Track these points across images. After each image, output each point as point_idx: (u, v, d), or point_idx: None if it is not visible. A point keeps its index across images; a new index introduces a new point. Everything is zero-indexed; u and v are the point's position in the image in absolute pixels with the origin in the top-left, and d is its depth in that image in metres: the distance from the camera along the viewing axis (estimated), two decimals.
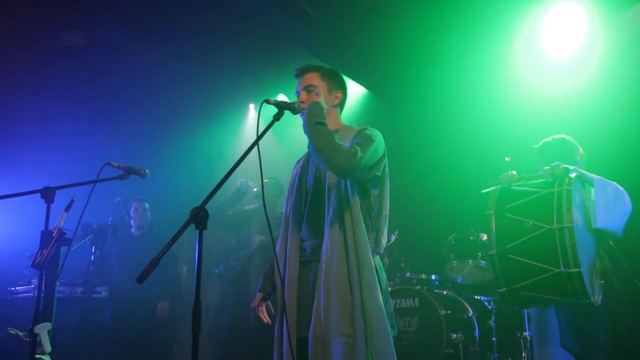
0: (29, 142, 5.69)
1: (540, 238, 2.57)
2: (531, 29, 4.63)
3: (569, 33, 4.53)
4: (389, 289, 4.72)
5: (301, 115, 2.52)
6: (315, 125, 2.29)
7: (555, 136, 3.29)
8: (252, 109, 6.57)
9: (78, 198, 2.89)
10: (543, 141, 3.30)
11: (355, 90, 5.99)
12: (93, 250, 4.35)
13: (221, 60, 5.54)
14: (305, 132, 2.33)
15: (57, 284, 4.46)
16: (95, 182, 2.82)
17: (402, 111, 5.74)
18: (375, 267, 2.36)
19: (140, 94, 5.78)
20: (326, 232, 2.35)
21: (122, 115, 5.76)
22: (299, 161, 2.69)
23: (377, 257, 2.42)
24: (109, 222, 4.51)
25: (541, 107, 4.59)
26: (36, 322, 2.49)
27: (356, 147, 2.30)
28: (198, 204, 1.87)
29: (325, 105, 2.44)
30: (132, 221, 5.06)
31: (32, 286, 4.56)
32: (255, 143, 2.22)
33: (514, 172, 2.90)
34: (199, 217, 1.86)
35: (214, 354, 5.48)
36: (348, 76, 5.69)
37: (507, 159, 3.24)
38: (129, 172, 2.98)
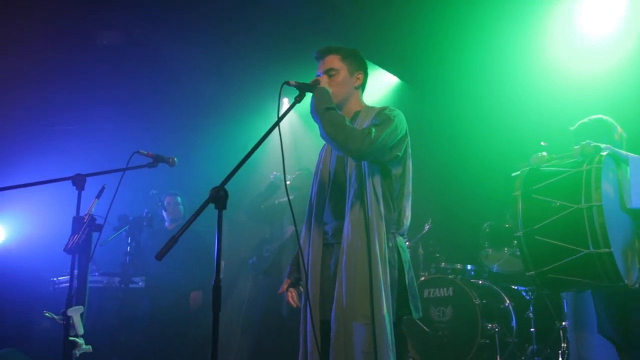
0: (69, 137, 5.88)
1: (568, 218, 2.49)
2: (567, 8, 4.48)
3: (607, 11, 4.36)
4: (422, 278, 4.70)
5: None
6: (324, 111, 2.27)
7: (592, 117, 3.20)
8: (286, 103, 6.58)
9: (112, 187, 2.94)
10: (579, 122, 3.21)
11: (387, 80, 5.95)
12: (129, 241, 4.45)
13: (254, 55, 5.57)
14: (315, 119, 2.31)
15: (96, 274, 4.67)
16: (124, 169, 2.88)
17: (434, 98, 5.64)
18: (398, 248, 2.34)
19: (176, 90, 5.87)
20: (347, 214, 2.34)
21: (156, 108, 5.86)
22: (324, 146, 2.69)
23: (400, 238, 2.39)
24: (144, 214, 4.60)
25: (577, 87, 4.44)
26: (69, 305, 2.57)
27: (371, 127, 2.26)
28: (232, 197, 1.87)
29: (329, 89, 2.39)
30: (165, 215, 5.13)
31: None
32: (276, 124, 2.24)
33: (544, 153, 2.82)
34: (218, 197, 1.86)
35: (247, 346, 5.54)
36: (379, 65, 5.65)
37: (543, 143, 3.16)
38: (157, 160, 3.02)
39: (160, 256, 1.70)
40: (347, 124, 2.26)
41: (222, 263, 6.03)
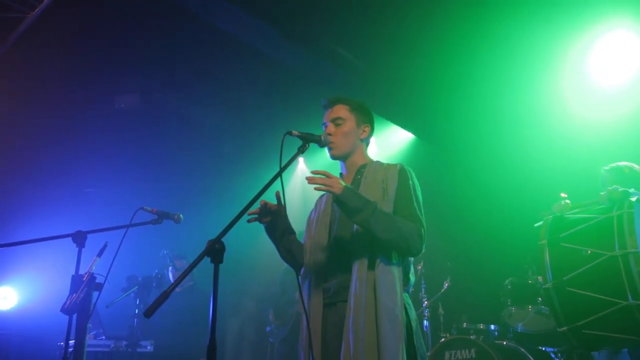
0: (90, 199, 5.87)
1: (601, 267, 2.31)
2: (578, 60, 4.44)
3: (617, 60, 4.33)
4: (443, 340, 4.43)
5: (328, 150, 2.43)
6: (369, 217, 2.09)
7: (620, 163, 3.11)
8: (301, 162, 6.53)
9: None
10: (613, 164, 3.11)
11: (402, 137, 5.91)
12: (137, 303, 4.30)
13: (266, 113, 5.57)
14: (355, 221, 2.13)
15: (102, 337, 4.48)
16: (128, 226, 2.79)
17: (450, 153, 5.59)
18: (405, 306, 2.17)
19: (189, 151, 5.87)
20: (354, 269, 2.17)
21: (170, 169, 5.84)
22: (323, 196, 2.54)
23: (406, 295, 2.23)
24: (154, 275, 4.47)
25: (593, 136, 4.37)
26: None
27: (415, 215, 2.17)
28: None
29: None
30: (171, 277, 4.95)
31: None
32: (278, 175, 2.14)
33: (567, 201, 2.66)
34: (214, 250, 1.75)
35: None
36: (393, 122, 5.61)
37: (563, 194, 3.02)
38: (162, 216, 2.92)
39: (148, 313, 1.58)
40: (399, 224, 2.12)
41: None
